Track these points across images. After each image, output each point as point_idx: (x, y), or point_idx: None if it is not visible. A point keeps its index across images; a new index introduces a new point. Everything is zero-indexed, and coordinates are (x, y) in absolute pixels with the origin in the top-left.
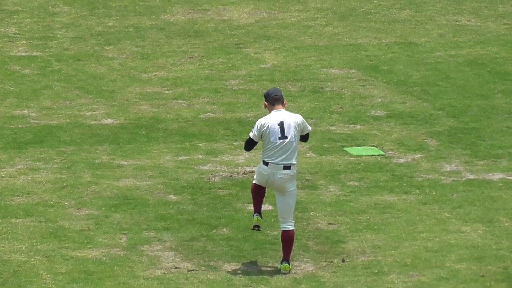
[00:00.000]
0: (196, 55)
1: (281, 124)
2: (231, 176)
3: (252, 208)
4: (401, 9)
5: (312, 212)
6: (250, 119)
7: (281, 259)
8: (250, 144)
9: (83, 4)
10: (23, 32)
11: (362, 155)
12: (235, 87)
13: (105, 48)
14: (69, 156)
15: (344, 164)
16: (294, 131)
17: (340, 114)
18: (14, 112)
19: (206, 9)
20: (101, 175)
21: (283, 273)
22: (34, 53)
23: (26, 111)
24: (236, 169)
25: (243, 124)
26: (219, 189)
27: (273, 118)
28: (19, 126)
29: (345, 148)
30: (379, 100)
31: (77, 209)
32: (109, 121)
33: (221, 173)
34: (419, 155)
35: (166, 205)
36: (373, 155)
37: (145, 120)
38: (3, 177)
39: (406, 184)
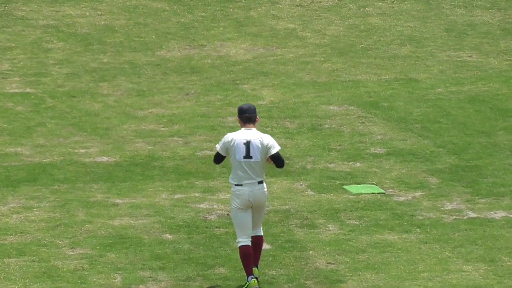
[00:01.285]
0: (192, 91)
1: (247, 144)
2: (228, 214)
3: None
4: (401, 45)
5: (310, 251)
6: None
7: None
8: (218, 158)
9: (77, 40)
10: (16, 69)
11: (361, 193)
12: (232, 124)
13: (100, 84)
14: (62, 195)
15: (343, 202)
16: (259, 152)
17: (339, 151)
18: (7, 149)
19: (202, 45)
20: (95, 213)
21: (256, 277)
22: (28, 90)
23: (19, 149)
24: None
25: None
26: (216, 227)
27: (241, 136)
28: (12, 164)
29: (344, 186)
30: (379, 137)
31: (71, 248)
32: (104, 158)
33: (218, 211)
34: (420, 193)
35: (161, 244)
36: (373, 193)
37: (140, 158)
38: None
39: (407, 223)
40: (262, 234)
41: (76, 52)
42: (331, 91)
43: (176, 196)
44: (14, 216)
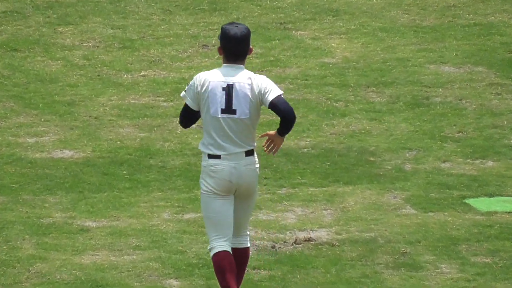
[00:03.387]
0: (213, 41)
1: (229, 90)
2: (273, 247)
3: None
4: None
5: None
6: (306, 150)
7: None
8: (186, 116)
9: None
10: None
11: (496, 212)
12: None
13: (60, 30)
14: None
15: (465, 227)
16: (247, 103)
17: (459, 142)
18: None
19: None
20: (52, 244)
21: None
22: None
23: None
24: (282, 235)
25: (293, 159)
26: (253, 269)
27: (219, 76)
28: None
29: (467, 200)
30: None
31: None
32: (66, 153)
33: (257, 242)
34: None
35: None
36: None
37: (127, 152)
38: None
39: None
40: (248, 244)
41: None
42: (444, 41)
43: (185, 216)
44: None
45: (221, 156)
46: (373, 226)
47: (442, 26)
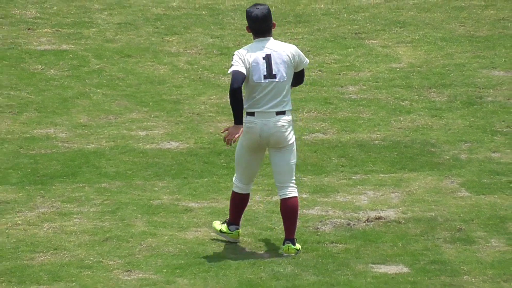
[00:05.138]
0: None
1: (268, 58)
2: (348, 224)
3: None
4: None
5: (465, 276)
6: (377, 142)
7: (284, 239)
8: (238, 80)
9: None
10: (47, 16)
11: None
12: (355, 96)
13: (167, 39)
14: (114, 196)
15: None
16: (285, 68)
17: (507, 135)
18: (35, 131)
19: None
20: (160, 222)
21: (285, 256)
22: (63, 47)
23: (52, 130)
24: (356, 215)
25: (366, 149)
26: (332, 243)
27: (256, 49)
28: (42, 151)
29: None
30: None
31: (126, 271)
32: (173, 144)
33: (335, 220)
34: None
35: (254, 266)
36: None
37: (224, 144)
38: (19, 224)
39: None
40: (295, 194)
41: None
42: (495, 49)
43: (275, 198)
44: (45, 225)
45: (255, 113)
46: (433, 206)
47: (493, 36)
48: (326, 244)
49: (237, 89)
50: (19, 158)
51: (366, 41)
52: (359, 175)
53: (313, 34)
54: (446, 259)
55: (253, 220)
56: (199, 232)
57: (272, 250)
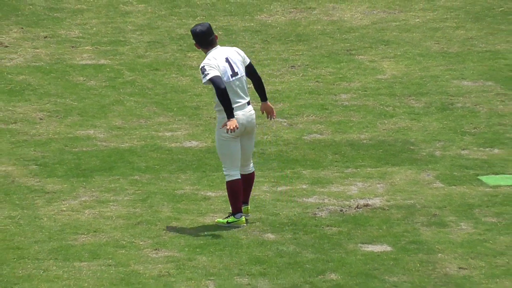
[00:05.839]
0: (299, 63)
1: (228, 60)
2: (341, 210)
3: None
4: None
5: (439, 254)
6: (365, 141)
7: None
8: (220, 82)
9: (161, 2)
10: (88, 36)
11: (500, 185)
12: (347, 103)
13: (188, 55)
14: (144, 186)
15: (478, 196)
16: (241, 65)
17: (474, 135)
18: (78, 132)
19: (311, 7)
20: (183, 209)
21: (248, 216)
22: (102, 61)
23: (92, 132)
24: (347, 202)
25: (356, 147)
26: (327, 226)
27: (217, 56)
28: (83, 149)
29: (480, 177)
30: None
31: (154, 250)
32: (193, 143)
33: (330, 207)
34: None
35: (262, 246)
36: None
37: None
38: (64, 211)
39: None
40: (253, 169)
41: (160, 16)
42: (464, 63)
43: (279, 189)
44: (86, 211)
45: (234, 108)
46: (412, 196)
47: (463, 52)
48: (323, 227)
49: (224, 89)
50: (64, 155)
51: (356, 56)
52: (350, 169)
53: (311, 51)
54: (423, 240)
55: (261, 207)
56: (216, 217)
57: (277, 232)
